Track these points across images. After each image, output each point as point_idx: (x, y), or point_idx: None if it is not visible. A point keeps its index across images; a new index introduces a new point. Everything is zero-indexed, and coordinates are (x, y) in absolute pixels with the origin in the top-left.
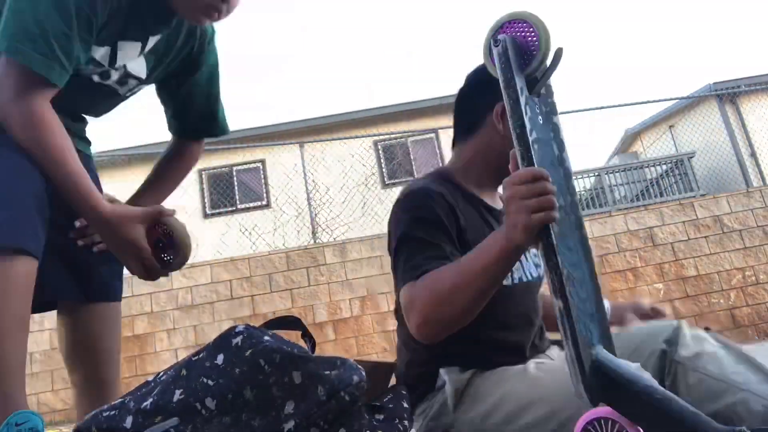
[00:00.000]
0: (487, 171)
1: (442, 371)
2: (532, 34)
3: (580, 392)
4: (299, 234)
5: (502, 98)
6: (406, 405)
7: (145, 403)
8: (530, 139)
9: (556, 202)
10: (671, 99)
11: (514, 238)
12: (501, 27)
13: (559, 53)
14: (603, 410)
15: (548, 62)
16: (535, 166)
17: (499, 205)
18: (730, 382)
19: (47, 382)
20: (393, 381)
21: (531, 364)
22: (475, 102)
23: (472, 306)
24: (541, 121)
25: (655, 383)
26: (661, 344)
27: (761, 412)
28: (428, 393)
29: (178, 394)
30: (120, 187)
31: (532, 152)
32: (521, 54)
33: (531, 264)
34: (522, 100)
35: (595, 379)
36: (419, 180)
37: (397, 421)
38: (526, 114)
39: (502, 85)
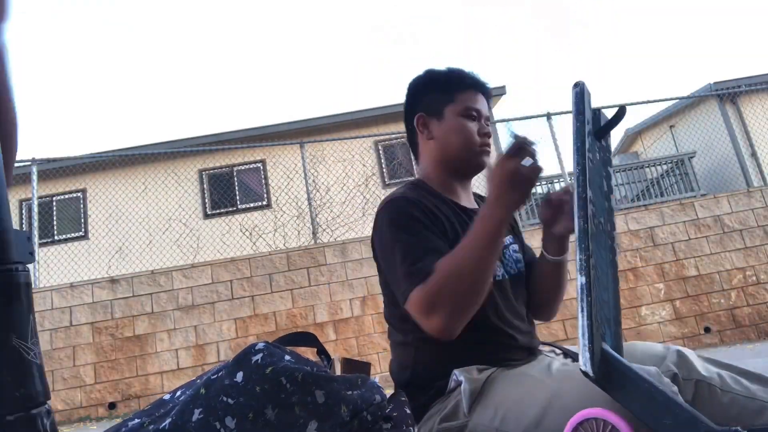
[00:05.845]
0: (444, 174)
1: (456, 372)
2: None
3: (585, 365)
4: (300, 234)
5: (421, 109)
6: (407, 411)
7: (163, 424)
8: (586, 157)
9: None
10: (671, 99)
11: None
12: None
13: (622, 111)
14: (594, 411)
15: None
16: (587, 183)
17: (473, 203)
18: (760, 400)
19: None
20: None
21: (553, 363)
22: (407, 120)
23: (487, 284)
24: (598, 158)
25: (655, 381)
26: (671, 367)
27: None
28: (440, 395)
29: (197, 414)
30: (121, 186)
31: (587, 170)
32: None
33: (511, 261)
34: (586, 129)
35: (602, 362)
36: (396, 190)
37: (405, 427)
38: (587, 140)
39: (574, 110)
